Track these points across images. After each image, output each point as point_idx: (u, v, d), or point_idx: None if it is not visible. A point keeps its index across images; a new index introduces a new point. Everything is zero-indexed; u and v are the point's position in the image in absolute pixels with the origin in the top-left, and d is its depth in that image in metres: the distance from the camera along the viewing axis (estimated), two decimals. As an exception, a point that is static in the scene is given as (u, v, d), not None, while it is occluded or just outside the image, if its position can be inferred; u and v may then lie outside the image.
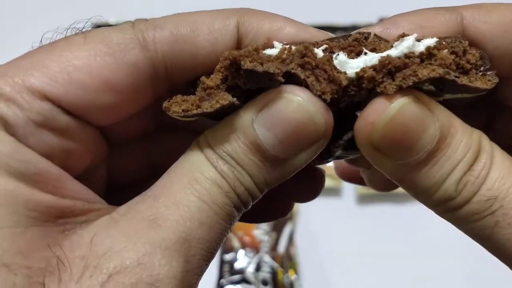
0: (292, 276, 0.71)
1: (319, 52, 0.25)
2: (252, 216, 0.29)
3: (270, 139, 0.24)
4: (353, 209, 0.77)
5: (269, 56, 0.24)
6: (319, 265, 0.74)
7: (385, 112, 0.23)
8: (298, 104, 0.24)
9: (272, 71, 0.23)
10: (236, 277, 0.70)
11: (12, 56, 0.24)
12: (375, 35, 0.26)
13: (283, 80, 0.24)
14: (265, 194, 0.26)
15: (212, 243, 0.23)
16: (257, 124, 0.24)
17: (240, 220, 0.29)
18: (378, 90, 0.24)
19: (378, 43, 0.26)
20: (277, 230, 0.74)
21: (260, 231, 0.74)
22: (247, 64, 0.23)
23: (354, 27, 0.91)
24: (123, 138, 0.28)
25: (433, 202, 0.24)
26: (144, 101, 0.26)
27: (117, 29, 0.24)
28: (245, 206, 0.25)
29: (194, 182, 0.23)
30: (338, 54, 0.25)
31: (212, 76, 0.25)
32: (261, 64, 0.23)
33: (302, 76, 0.24)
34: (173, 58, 0.25)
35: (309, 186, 0.30)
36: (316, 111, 0.24)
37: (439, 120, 0.24)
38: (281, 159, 0.24)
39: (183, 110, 0.24)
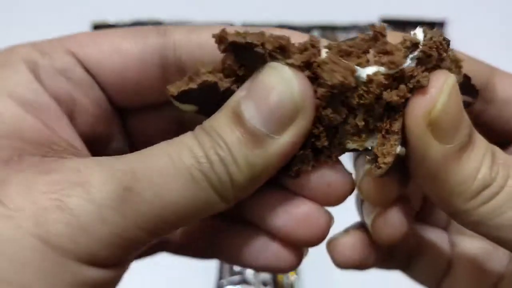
0: (292, 276, 0.71)
1: (322, 53, 0.25)
2: (256, 263, 0.30)
3: (250, 107, 0.24)
4: (353, 208, 0.77)
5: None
6: (319, 265, 0.74)
7: (446, 84, 0.24)
8: (275, 69, 0.24)
9: (254, 42, 0.24)
10: (236, 277, 0.70)
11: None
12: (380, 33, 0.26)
13: (267, 55, 0.24)
14: (268, 236, 0.29)
15: (165, 194, 0.23)
16: (243, 97, 0.24)
17: (244, 266, 0.31)
18: (385, 98, 0.25)
19: (384, 45, 0.25)
20: (277, 230, 0.74)
21: (260, 232, 0.74)
22: (231, 37, 0.24)
23: (354, 27, 0.91)
24: (148, 139, 0.30)
25: (470, 194, 0.25)
26: (154, 84, 0.28)
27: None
28: (220, 181, 0.24)
29: (167, 144, 0.24)
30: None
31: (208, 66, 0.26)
32: (245, 37, 0.24)
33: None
34: (182, 43, 0.27)
35: (311, 228, 0.29)
36: (291, 75, 0.24)
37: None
38: (263, 134, 0.24)
39: (176, 91, 0.25)
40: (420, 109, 0.24)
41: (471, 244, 0.36)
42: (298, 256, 0.30)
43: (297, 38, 0.26)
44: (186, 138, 0.24)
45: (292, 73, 0.24)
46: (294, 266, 0.30)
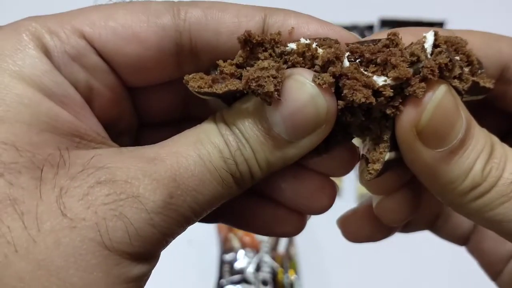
0: (292, 276, 0.71)
1: (345, 61, 0.26)
2: (264, 229, 0.32)
3: (276, 117, 0.25)
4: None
5: (290, 50, 0.26)
6: (319, 265, 0.74)
7: (433, 97, 0.25)
8: (302, 84, 0.25)
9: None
10: (236, 277, 0.70)
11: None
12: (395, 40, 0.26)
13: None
14: (278, 204, 0.30)
15: (200, 196, 0.25)
16: (271, 106, 0.25)
17: (253, 231, 0.33)
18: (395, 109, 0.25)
19: (403, 53, 0.25)
20: (277, 230, 0.74)
21: (260, 231, 0.74)
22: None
23: (354, 27, 0.91)
24: (155, 114, 0.32)
25: (460, 192, 0.26)
26: (168, 68, 0.28)
27: (160, 1, 0.28)
28: (242, 178, 0.26)
29: (199, 142, 0.25)
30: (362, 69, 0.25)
31: (229, 61, 0.27)
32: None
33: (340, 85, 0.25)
34: (198, 30, 0.27)
35: (322, 198, 0.31)
36: (318, 93, 0.25)
37: (464, 111, 0.25)
38: (284, 140, 0.26)
39: (198, 86, 0.26)
40: (408, 121, 0.25)
41: None
42: (304, 222, 0.32)
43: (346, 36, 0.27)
44: (214, 137, 0.26)
45: (319, 92, 0.25)
46: (300, 231, 0.32)
